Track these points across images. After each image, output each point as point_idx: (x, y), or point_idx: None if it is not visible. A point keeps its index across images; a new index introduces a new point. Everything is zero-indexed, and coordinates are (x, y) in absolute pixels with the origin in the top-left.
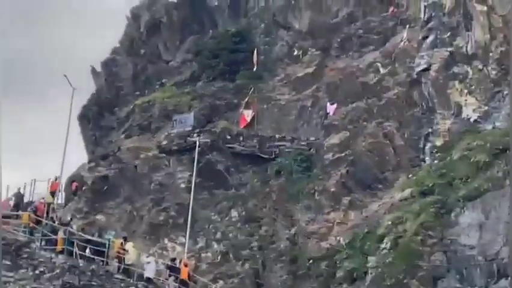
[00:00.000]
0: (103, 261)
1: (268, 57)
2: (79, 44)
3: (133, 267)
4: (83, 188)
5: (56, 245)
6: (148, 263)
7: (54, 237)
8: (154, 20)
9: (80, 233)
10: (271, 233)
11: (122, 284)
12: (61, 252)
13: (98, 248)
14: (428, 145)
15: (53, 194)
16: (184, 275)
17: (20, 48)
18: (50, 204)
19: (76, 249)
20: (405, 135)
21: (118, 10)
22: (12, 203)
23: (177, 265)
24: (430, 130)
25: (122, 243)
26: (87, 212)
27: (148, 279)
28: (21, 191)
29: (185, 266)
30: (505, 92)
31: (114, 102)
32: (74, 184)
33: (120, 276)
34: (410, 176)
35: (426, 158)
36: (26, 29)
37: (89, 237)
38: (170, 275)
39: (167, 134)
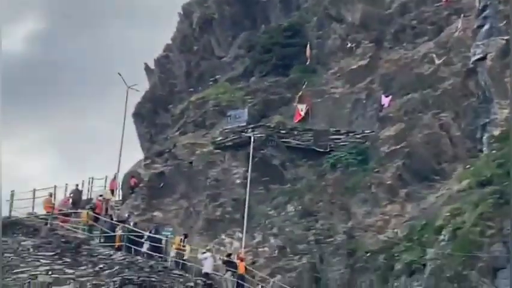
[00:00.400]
0: (161, 257)
1: (321, 50)
2: (131, 42)
3: (191, 263)
4: (140, 184)
5: (114, 242)
6: (206, 258)
7: (113, 234)
8: (206, 16)
9: (138, 230)
10: (327, 227)
11: (180, 280)
12: (119, 248)
13: (156, 244)
14: (486, 135)
15: (112, 191)
16: (241, 270)
17: (74, 49)
18: (108, 201)
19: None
20: (462, 126)
21: (170, 7)
22: (70, 200)
23: (233, 260)
24: (487, 120)
25: (181, 239)
26: (144, 209)
27: (206, 275)
28: (79, 188)
29: (242, 260)
30: None
31: (168, 99)
32: (133, 180)
33: (178, 272)
34: (467, 166)
35: (484, 148)
36: (78, 30)
37: (147, 234)
38: (227, 270)
39: (222, 130)
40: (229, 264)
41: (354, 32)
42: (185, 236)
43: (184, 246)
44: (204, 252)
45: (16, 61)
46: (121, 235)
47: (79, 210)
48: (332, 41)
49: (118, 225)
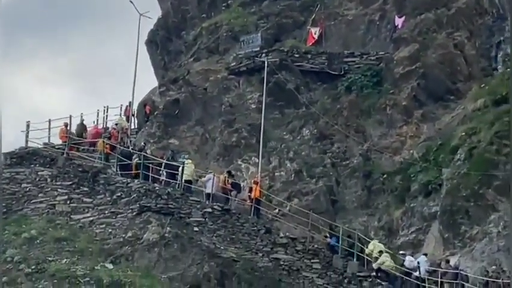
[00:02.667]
0: (178, 184)
1: None
2: None
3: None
4: (155, 112)
5: (131, 170)
6: (209, 179)
7: (130, 162)
8: None
9: (154, 157)
10: (343, 150)
11: (198, 206)
12: (136, 177)
13: (173, 171)
14: (500, 53)
15: (127, 119)
16: (256, 194)
17: None
18: (124, 130)
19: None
20: (477, 45)
21: None
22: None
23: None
24: (502, 38)
25: (225, 177)
26: (160, 137)
27: (208, 195)
28: (95, 117)
29: (257, 184)
30: None
31: (181, 25)
32: (148, 108)
33: (196, 198)
34: (482, 85)
35: (499, 67)
36: None
37: (164, 161)
38: (231, 190)
39: (236, 55)
40: (234, 185)
41: None
42: (229, 173)
43: (229, 183)
44: (206, 175)
45: None
46: (138, 163)
47: (86, 140)
48: None
49: (135, 153)
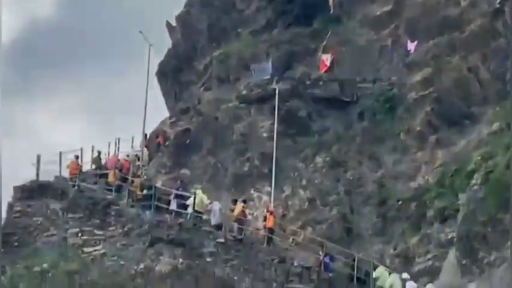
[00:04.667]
0: (190, 214)
1: None
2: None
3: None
4: (166, 143)
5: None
6: (213, 209)
7: (141, 193)
8: None
9: (165, 188)
10: (357, 177)
11: (210, 236)
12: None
13: (183, 202)
14: None
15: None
16: (269, 223)
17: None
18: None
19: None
20: (491, 68)
21: None
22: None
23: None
24: None
25: (242, 206)
26: (171, 167)
27: (216, 226)
28: (105, 150)
29: (271, 213)
30: None
31: (191, 55)
32: (160, 138)
33: (208, 229)
34: (497, 109)
35: None
36: None
37: (175, 192)
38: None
39: (247, 84)
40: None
41: None
42: (244, 201)
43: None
44: (214, 205)
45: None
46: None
47: (99, 171)
48: None
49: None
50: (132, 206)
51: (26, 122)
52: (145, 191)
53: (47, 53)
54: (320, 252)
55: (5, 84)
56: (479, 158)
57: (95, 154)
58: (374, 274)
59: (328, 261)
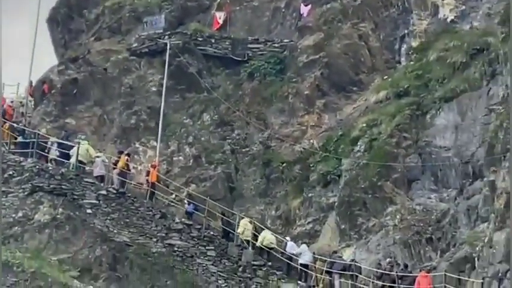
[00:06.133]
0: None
1: None
2: None
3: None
4: (53, 91)
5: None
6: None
7: (24, 141)
8: None
9: (49, 136)
10: (244, 137)
11: (92, 188)
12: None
13: (66, 151)
14: (404, 46)
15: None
16: (153, 178)
17: None
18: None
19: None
20: (381, 37)
21: None
22: None
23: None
24: (406, 31)
25: (127, 159)
26: (56, 116)
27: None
28: None
29: (155, 168)
30: None
31: (83, 4)
32: (46, 86)
33: (91, 180)
34: (385, 77)
35: (402, 60)
36: None
37: (59, 141)
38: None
39: (138, 37)
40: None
41: None
42: (128, 155)
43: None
44: (98, 157)
45: None
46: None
47: None
48: None
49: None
50: (13, 153)
51: None
52: (20, 138)
53: None
54: (185, 201)
55: None
56: (364, 125)
57: None
58: (239, 229)
59: (191, 209)
